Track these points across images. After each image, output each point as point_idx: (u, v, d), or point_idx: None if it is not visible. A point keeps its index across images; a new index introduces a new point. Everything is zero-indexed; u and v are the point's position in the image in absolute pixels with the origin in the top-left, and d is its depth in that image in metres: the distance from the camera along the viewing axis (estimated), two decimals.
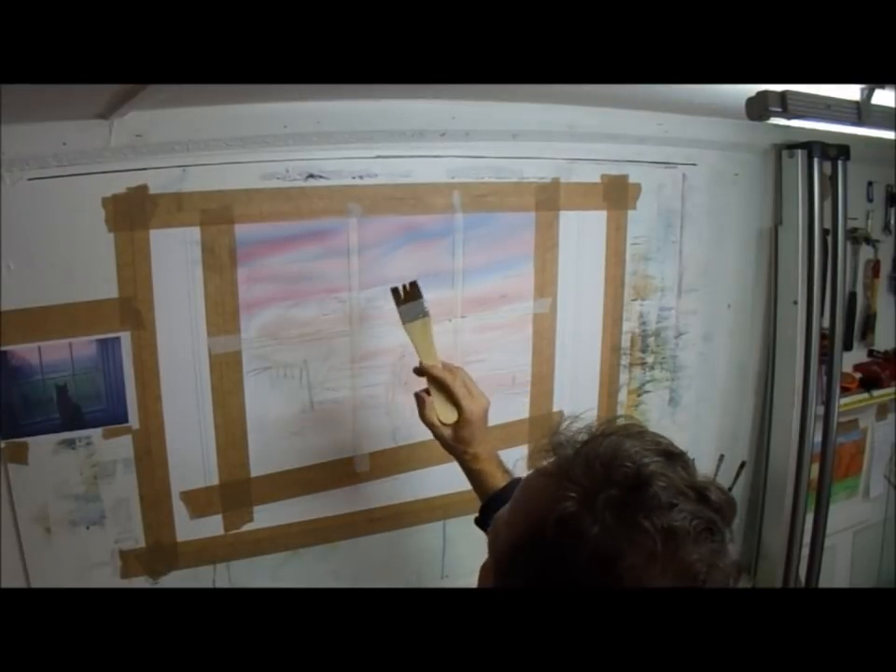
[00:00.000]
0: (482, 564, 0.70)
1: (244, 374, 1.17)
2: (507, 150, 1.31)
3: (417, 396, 1.10)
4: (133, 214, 1.05)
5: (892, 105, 1.00)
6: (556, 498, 0.58)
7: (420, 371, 1.10)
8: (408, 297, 1.11)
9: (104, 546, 1.12)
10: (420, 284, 1.12)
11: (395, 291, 1.12)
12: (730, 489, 1.73)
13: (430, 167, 1.25)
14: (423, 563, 1.40)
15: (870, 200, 1.88)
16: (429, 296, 1.24)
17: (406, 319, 1.11)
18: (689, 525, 0.56)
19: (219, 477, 1.18)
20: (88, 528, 1.10)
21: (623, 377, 1.55)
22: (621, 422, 0.65)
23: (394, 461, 1.32)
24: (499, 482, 1.07)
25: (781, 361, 1.69)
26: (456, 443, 1.09)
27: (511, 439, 1.41)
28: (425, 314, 1.11)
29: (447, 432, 1.09)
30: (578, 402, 1.45)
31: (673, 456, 0.60)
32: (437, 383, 1.09)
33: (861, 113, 0.98)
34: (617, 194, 1.45)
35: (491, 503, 1.07)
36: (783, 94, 0.90)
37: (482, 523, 1.09)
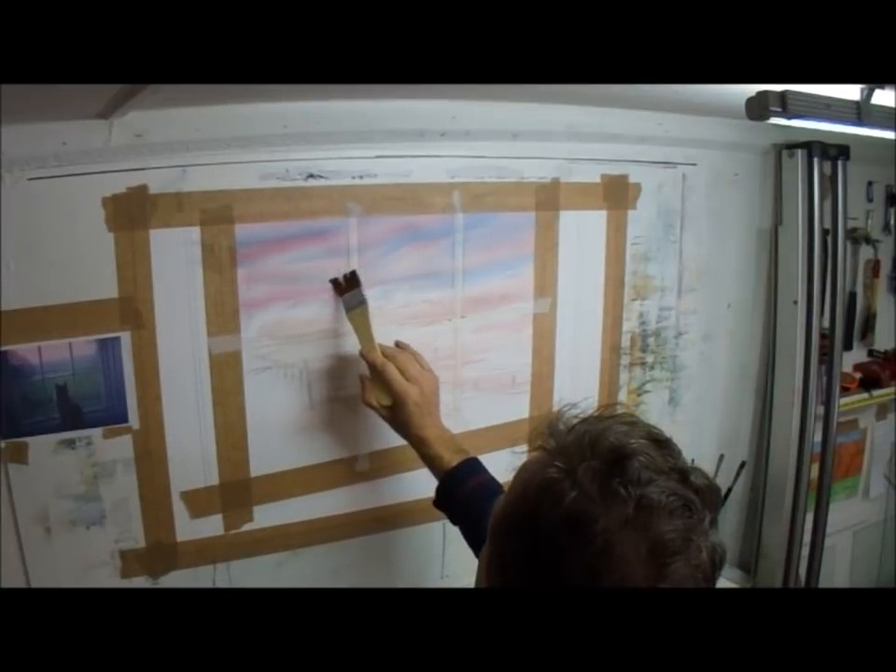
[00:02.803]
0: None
1: (244, 374, 1.17)
2: (507, 150, 1.30)
3: (360, 378, 1.17)
4: (133, 214, 1.05)
5: (892, 104, 1.00)
6: (543, 467, 0.61)
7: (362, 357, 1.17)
8: (347, 286, 1.18)
9: (104, 546, 1.12)
10: (420, 284, 1.15)
11: (335, 281, 1.18)
12: (730, 489, 1.74)
13: (430, 167, 1.25)
14: (423, 563, 1.40)
15: (870, 200, 1.88)
16: (429, 296, 1.24)
17: (347, 308, 1.17)
18: (665, 500, 0.58)
19: (219, 477, 1.18)
20: (88, 528, 1.10)
21: (623, 377, 1.55)
22: (616, 410, 0.68)
23: (394, 461, 1.32)
24: (448, 463, 1.11)
25: (781, 361, 1.69)
26: (396, 425, 1.16)
27: (511, 439, 1.41)
28: (362, 301, 1.18)
29: (386, 415, 1.16)
30: (577, 403, 1.45)
31: (659, 442, 0.62)
32: (371, 368, 1.16)
33: (861, 113, 0.98)
34: (617, 194, 1.45)
35: (444, 485, 1.12)
36: (783, 94, 0.90)
37: (439, 506, 1.13)
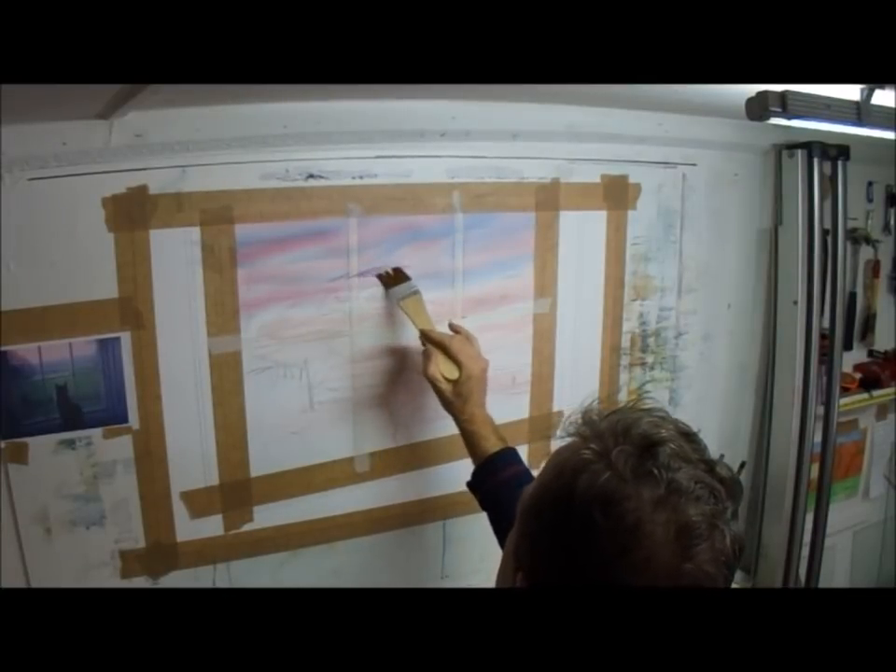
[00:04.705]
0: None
1: (244, 374, 1.17)
2: (507, 150, 1.31)
3: (425, 351, 1.19)
4: (133, 214, 1.05)
5: (892, 104, 1.00)
6: (577, 449, 0.65)
7: (424, 336, 1.20)
8: (397, 279, 1.22)
9: (104, 546, 1.12)
10: (420, 284, 1.22)
11: (381, 276, 1.23)
12: None
13: (430, 167, 1.25)
14: (423, 563, 1.40)
15: (870, 200, 1.88)
16: (429, 296, 1.25)
17: (400, 298, 1.21)
18: (693, 486, 0.60)
19: (219, 477, 1.18)
20: (88, 528, 1.10)
21: (624, 377, 1.55)
22: (648, 404, 0.70)
23: (394, 461, 1.32)
24: (492, 446, 1.15)
25: (781, 361, 1.69)
26: (455, 399, 1.17)
27: (511, 439, 1.40)
28: (416, 291, 1.23)
29: (447, 388, 1.17)
30: (578, 402, 1.45)
31: (687, 434, 0.65)
32: (437, 344, 1.18)
33: (861, 113, 0.98)
34: (617, 194, 1.45)
35: (483, 467, 1.15)
36: (783, 94, 0.90)
37: (473, 486, 1.15)
